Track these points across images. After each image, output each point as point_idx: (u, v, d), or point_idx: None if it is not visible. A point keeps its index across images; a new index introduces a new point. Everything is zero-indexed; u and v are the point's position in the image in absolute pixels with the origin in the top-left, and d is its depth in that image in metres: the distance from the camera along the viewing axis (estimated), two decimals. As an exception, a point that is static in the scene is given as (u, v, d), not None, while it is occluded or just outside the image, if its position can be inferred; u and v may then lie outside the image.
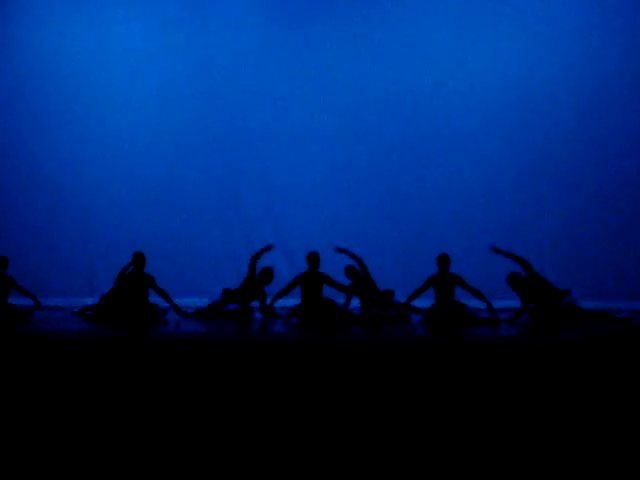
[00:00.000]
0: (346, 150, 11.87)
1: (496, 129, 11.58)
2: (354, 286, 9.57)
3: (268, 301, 9.76)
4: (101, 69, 12.39)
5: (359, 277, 9.63)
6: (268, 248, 9.98)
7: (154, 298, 9.68)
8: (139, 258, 9.67)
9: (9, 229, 12.03)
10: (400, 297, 9.51)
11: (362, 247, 10.96)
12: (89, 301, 10.30)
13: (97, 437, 5.82)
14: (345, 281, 9.72)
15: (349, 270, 9.74)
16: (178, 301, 9.73)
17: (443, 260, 9.12)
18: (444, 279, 9.08)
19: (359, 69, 11.92)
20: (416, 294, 9.08)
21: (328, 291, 9.63)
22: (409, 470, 5.42)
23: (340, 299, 9.58)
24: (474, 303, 9.25)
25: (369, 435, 5.72)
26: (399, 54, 11.87)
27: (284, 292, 9.63)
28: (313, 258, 9.63)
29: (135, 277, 9.61)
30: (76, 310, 10.09)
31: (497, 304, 9.26)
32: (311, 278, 9.51)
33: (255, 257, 9.98)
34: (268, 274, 9.84)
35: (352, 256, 9.73)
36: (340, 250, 9.70)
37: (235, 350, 6.44)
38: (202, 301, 10.28)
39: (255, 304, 9.94)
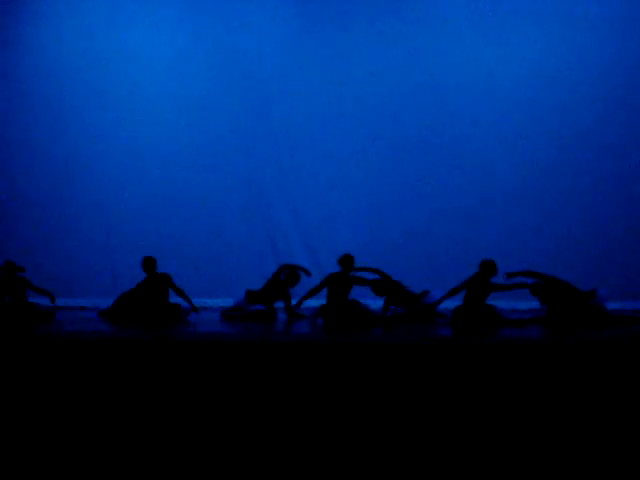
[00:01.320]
0: (371, 150, 11.76)
1: (518, 125, 11.41)
2: (389, 300, 9.41)
3: (293, 302, 9.66)
4: (122, 69, 12.34)
5: (388, 291, 9.43)
6: (306, 272, 9.85)
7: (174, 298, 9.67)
8: (147, 263, 9.64)
9: (31, 229, 11.98)
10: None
11: (386, 247, 10.96)
12: (111, 301, 10.21)
13: (120, 437, 5.77)
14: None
15: (376, 288, 9.48)
16: (201, 301, 9.69)
17: (485, 266, 8.96)
18: (479, 283, 8.91)
19: (382, 68, 11.78)
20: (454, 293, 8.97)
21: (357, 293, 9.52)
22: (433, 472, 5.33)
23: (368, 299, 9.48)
24: (503, 304, 9.14)
25: (389, 435, 5.63)
26: (421, 53, 11.72)
27: (314, 292, 9.49)
28: (345, 260, 9.47)
29: (150, 280, 9.55)
30: (100, 311, 10.03)
31: (523, 306, 9.20)
32: (340, 280, 9.37)
33: (285, 266, 9.89)
34: (294, 276, 9.76)
35: (370, 270, 9.56)
36: (356, 269, 9.51)
37: (258, 351, 6.37)
38: (226, 302, 10.25)
39: (279, 305, 9.85)
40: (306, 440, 5.68)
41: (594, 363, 5.95)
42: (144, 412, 5.99)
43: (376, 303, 9.60)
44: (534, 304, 9.36)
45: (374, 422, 5.76)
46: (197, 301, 9.89)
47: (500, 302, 9.32)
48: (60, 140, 12.32)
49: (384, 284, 9.34)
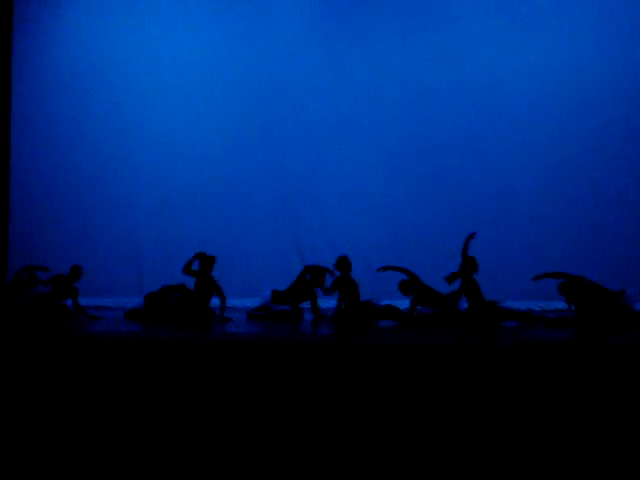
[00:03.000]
0: (394, 150, 11.74)
1: (530, 125, 11.41)
2: (415, 300, 9.34)
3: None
4: (140, 69, 12.42)
5: (415, 290, 9.35)
6: (331, 273, 9.78)
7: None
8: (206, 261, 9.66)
9: (57, 230, 12.04)
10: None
11: (410, 246, 10.94)
12: (137, 301, 10.22)
13: (145, 436, 5.77)
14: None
15: (403, 286, 9.44)
16: (229, 302, 9.70)
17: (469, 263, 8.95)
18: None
19: (404, 67, 11.80)
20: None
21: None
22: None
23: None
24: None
25: (400, 436, 5.60)
26: (431, 55, 11.75)
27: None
28: (340, 264, 9.50)
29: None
30: (126, 311, 10.03)
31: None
32: (346, 282, 9.37)
33: (311, 267, 9.86)
34: (319, 277, 9.72)
35: (397, 270, 9.49)
36: (383, 269, 9.46)
37: (284, 351, 6.35)
38: (252, 302, 10.26)
39: (305, 305, 9.83)
40: (330, 439, 5.67)
41: (614, 364, 5.90)
42: (171, 412, 5.99)
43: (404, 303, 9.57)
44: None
45: (400, 424, 5.74)
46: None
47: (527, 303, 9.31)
48: (85, 138, 12.40)
49: (411, 284, 9.28)
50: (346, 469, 5.41)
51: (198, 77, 12.25)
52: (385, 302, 9.37)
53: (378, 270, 9.42)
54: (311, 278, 9.77)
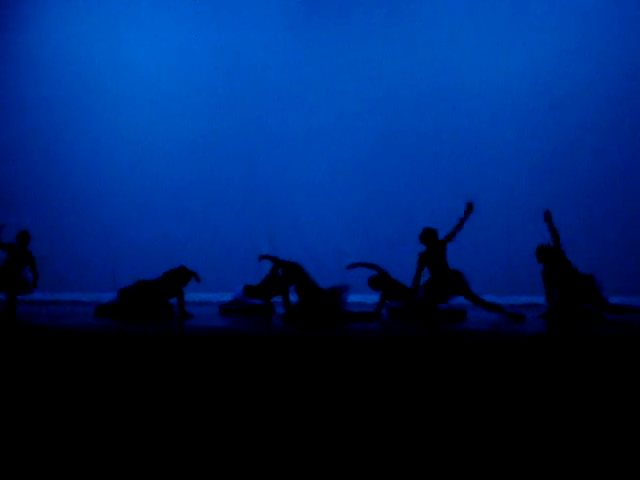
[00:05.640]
0: (371, 148, 11.81)
1: (523, 125, 11.52)
2: (384, 295, 9.41)
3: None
4: (124, 70, 12.42)
5: (384, 285, 9.44)
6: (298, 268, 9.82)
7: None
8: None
9: (31, 224, 11.98)
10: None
11: (383, 245, 11.01)
12: (110, 296, 10.21)
13: (119, 432, 5.78)
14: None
15: (373, 281, 9.56)
16: (201, 297, 9.73)
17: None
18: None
19: (390, 65, 11.87)
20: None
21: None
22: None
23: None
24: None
25: (387, 432, 5.65)
26: (423, 54, 11.83)
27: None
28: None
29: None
30: (98, 306, 10.02)
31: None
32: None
33: (283, 262, 9.89)
34: (291, 272, 9.76)
35: (367, 266, 9.58)
36: (353, 266, 9.54)
37: (257, 345, 6.39)
38: (224, 297, 10.29)
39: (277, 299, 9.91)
40: (303, 435, 5.70)
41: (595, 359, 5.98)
42: (144, 407, 6.00)
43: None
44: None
45: (372, 417, 5.78)
46: (196, 296, 9.99)
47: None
48: (61, 133, 12.38)
49: (380, 279, 9.38)
50: (318, 464, 5.45)
51: (177, 79, 12.27)
52: (352, 297, 9.43)
53: (348, 267, 9.50)
54: (283, 273, 9.82)
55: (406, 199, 11.53)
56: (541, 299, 9.14)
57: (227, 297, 10.18)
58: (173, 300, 9.40)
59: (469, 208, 8.68)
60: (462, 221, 8.66)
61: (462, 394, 5.84)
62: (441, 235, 8.73)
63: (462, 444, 5.46)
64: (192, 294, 9.75)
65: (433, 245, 8.73)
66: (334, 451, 5.50)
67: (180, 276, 9.31)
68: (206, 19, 12.35)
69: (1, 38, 12.72)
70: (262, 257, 10.07)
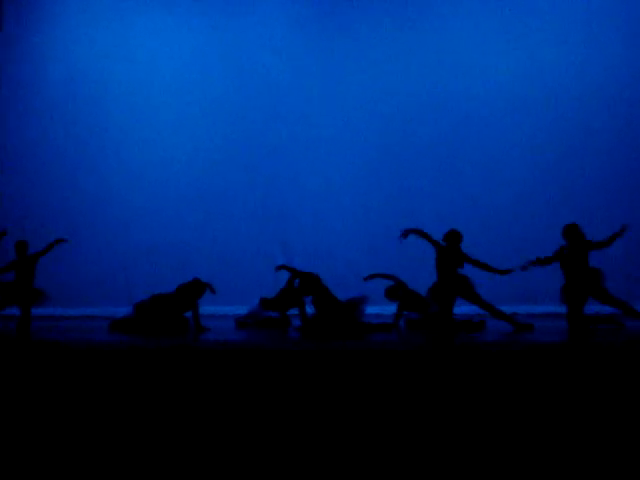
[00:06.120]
0: (386, 157, 11.75)
1: (525, 129, 11.50)
2: (402, 306, 9.31)
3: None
4: (131, 73, 12.41)
5: (401, 296, 9.34)
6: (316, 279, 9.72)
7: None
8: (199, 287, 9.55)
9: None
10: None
11: (399, 254, 10.91)
12: (125, 311, 10.17)
13: (133, 447, 5.73)
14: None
15: (389, 292, 9.45)
16: (217, 310, 9.67)
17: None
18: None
19: (387, 75, 11.91)
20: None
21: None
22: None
23: None
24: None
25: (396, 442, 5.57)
26: (426, 60, 11.89)
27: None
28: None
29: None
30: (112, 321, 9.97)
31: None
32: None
33: (299, 273, 9.80)
34: (307, 283, 9.68)
35: (384, 277, 9.48)
36: (370, 277, 9.45)
37: (274, 358, 6.32)
38: (240, 310, 10.23)
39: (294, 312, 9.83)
40: (322, 449, 5.63)
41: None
42: (161, 422, 5.95)
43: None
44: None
45: (390, 430, 5.71)
46: (212, 309, 9.93)
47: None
48: (75, 147, 12.41)
49: (397, 290, 9.27)
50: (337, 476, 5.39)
51: (186, 85, 12.30)
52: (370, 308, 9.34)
53: (365, 279, 9.40)
54: (299, 285, 9.74)
55: (423, 208, 11.45)
56: (550, 308, 9.18)
57: (243, 310, 10.11)
58: (188, 314, 9.34)
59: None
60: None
61: (477, 406, 5.76)
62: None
63: (481, 457, 5.39)
64: (207, 307, 9.68)
65: (452, 246, 8.63)
66: (354, 465, 5.44)
67: (195, 289, 9.24)
68: (218, 28, 12.37)
69: (14, 41, 12.73)
70: (279, 267, 9.99)
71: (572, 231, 8.49)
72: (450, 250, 8.62)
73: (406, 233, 8.74)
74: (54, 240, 9.82)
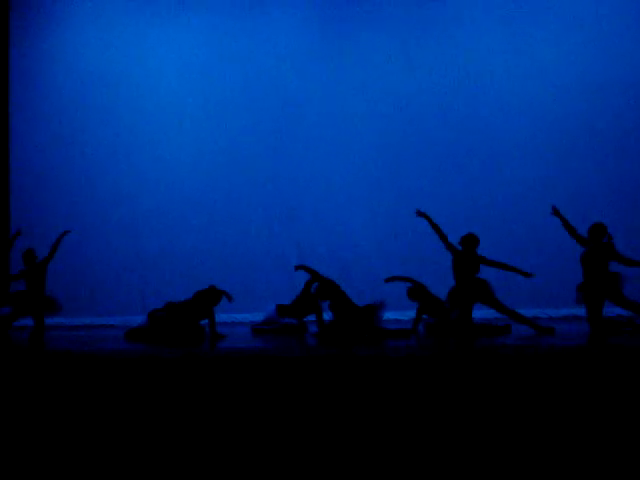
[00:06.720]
0: (401, 156, 11.69)
1: (529, 130, 11.45)
2: (421, 309, 9.19)
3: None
4: (139, 80, 12.45)
5: (421, 298, 9.22)
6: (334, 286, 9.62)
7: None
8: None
9: (60, 248, 11.99)
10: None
11: (415, 257, 10.85)
12: (140, 320, 10.12)
13: (150, 455, 5.67)
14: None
15: (411, 293, 9.31)
16: (234, 317, 9.61)
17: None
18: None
19: (401, 76, 11.86)
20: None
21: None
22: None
23: None
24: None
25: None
26: (434, 60, 11.87)
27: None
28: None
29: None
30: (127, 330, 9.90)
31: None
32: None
33: (315, 279, 9.70)
34: (324, 289, 9.59)
35: (404, 280, 9.36)
36: (390, 279, 9.32)
37: (291, 365, 6.25)
38: (256, 316, 10.17)
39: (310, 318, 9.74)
40: (341, 455, 5.56)
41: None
42: (178, 431, 5.89)
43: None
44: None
45: (410, 435, 5.64)
46: (228, 316, 9.87)
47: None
48: (87, 155, 12.39)
49: (418, 291, 9.14)
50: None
51: (198, 87, 12.31)
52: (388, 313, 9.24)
53: (386, 280, 9.28)
54: (316, 291, 9.65)
55: (438, 209, 11.31)
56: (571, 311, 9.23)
57: (259, 317, 10.05)
58: (204, 322, 9.27)
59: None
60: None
61: (499, 411, 5.68)
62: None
63: (506, 462, 5.31)
64: (223, 315, 9.63)
65: (468, 251, 8.52)
66: (377, 470, 5.41)
67: (211, 296, 9.16)
68: (227, 34, 12.36)
69: (25, 47, 12.74)
70: (298, 267, 9.83)
71: (597, 231, 8.35)
72: (467, 254, 8.53)
73: (422, 214, 8.73)
74: (57, 238, 9.79)
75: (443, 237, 8.65)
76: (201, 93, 12.27)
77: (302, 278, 10.41)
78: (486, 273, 8.60)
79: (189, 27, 12.37)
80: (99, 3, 12.62)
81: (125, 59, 12.45)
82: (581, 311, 8.99)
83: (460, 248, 8.59)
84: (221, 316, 9.48)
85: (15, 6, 12.73)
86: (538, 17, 11.46)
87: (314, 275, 9.48)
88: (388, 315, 9.48)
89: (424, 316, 9.18)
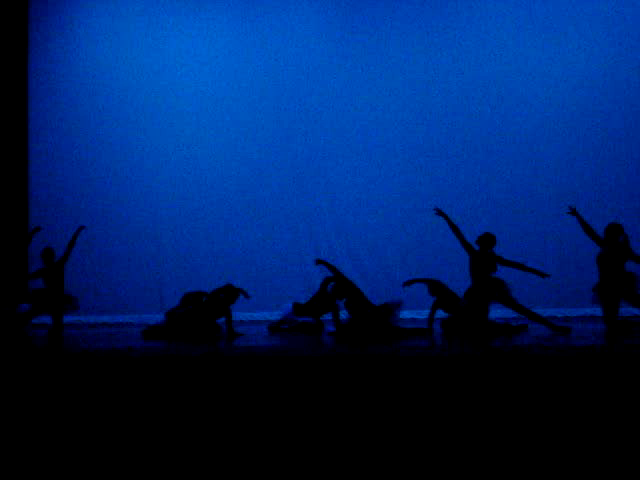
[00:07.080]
0: (418, 161, 11.68)
1: (535, 130, 11.47)
2: (437, 303, 9.16)
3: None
4: (166, 77, 12.46)
5: (440, 292, 9.18)
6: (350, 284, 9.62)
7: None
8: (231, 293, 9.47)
9: (78, 246, 12.07)
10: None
11: (432, 255, 10.84)
12: (157, 318, 10.16)
13: (168, 453, 5.69)
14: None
15: (431, 288, 9.25)
16: (250, 316, 9.63)
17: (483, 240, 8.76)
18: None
19: (418, 73, 11.87)
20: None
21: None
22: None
23: None
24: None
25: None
26: (442, 63, 11.84)
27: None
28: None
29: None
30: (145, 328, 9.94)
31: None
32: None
33: (331, 278, 9.70)
34: (340, 288, 9.60)
35: (424, 282, 9.31)
36: (409, 283, 9.27)
37: (308, 364, 6.26)
38: (273, 315, 10.19)
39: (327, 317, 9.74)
40: (358, 454, 5.57)
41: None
42: (195, 429, 5.91)
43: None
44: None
45: (426, 435, 5.64)
46: (244, 315, 9.89)
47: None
48: (104, 155, 12.43)
49: (438, 286, 9.10)
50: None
51: (214, 91, 12.28)
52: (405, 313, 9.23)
53: (405, 284, 9.26)
54: (333, 290, 9.66)
55: (455, 209, 11.28)
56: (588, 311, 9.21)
57: (276, 315, 10.06)
58: (221, 320, 9.30)
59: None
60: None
61: (515, 410, 5.67)
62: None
63: (524, 462, 5.30)
64: (240, 313, 9.65)
65: (485, 250, 8.52)
66: (391, 468, 5.40)
67: (228, 294, 9.19)
68: (242, 39, 12.36)
69: (42, 52, 12.81)
70: (318, 261, 9.84)
71: (613, 231, 8.33)
72: (484, 254, 8.52)
73: (441, 213, 8.76)
74: (73, 234, 9.88)
75: (460, 236, 8.67)
76: (220, 95, 12.27)
77: (319, 277, 10.44)
78: (502, 273, 8.61)
79: (205, 32, 12.38)
80: (114, 10, 12.66)
81: (144, 61, 12.47)
82: (597, 311, 9.02)
83: (477, 248, 8.60)
84: (238, 314, 9.50)
85: (33, 16, 12.80)
86: (548, 16, 11.42)
87: (333, 271, 9.49)
88: (405, 314, 9.47)
89: (439, 311, 9.17)
